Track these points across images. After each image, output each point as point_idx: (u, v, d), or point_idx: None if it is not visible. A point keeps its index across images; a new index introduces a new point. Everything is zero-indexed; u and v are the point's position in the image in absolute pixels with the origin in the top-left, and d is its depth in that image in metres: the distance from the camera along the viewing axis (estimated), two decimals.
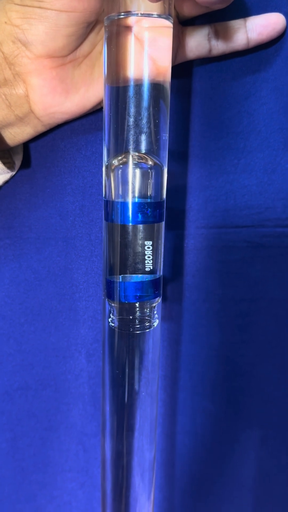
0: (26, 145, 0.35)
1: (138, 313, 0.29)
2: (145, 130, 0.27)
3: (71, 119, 0.31)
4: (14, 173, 0.34)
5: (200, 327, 0.39)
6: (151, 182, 0.27)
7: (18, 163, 0.34)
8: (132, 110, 0.26)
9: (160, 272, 0.29)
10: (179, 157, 0.35)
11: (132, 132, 0.27)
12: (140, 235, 0.27)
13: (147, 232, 0.27)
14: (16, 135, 0.31)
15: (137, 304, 0.29)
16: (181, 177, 0.36)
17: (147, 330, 0.29)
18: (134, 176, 0.27)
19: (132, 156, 0.27)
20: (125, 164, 0.27)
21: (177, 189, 0.36)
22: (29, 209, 0.36)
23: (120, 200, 0.27)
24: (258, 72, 0.33)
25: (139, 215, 0.27)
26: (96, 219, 0.36)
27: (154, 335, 0.30)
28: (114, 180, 0.27)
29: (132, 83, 0.26)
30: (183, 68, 0.34)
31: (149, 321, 0.29)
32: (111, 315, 0.30)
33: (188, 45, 0.31)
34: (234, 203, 0.36)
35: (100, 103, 0.31)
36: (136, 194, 0.27)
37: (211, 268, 0.37)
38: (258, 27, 0.31)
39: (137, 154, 0.27)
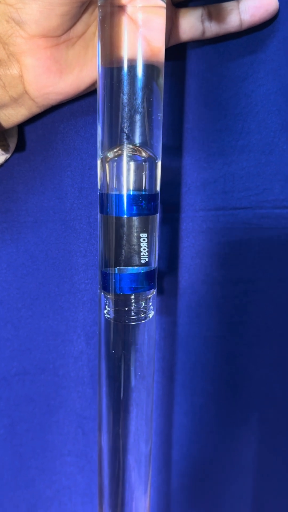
0: (24, 128, 0.35)
1: (133, 305, 0.29)
2: (139, 110, 0.27)
3: (65, 100, 0.31)
4: (8, 155, 0.34)
5: (199, 308, 0.39)
6: (145, 174, 0.28)
7: (12, 145, 0.34)
8: (126, 89, 0.27)
9: (155, 264, 0.29)
10: (177, 139, 0.35)
11: (126, 110, 0.27)
12: (135, 227, 0.28)
13: (142, 224, 0.28)
14: (10, 117, 0.31)
15: (132, 296, 0.29)
16: (179, 160, 0.36)
17: (143, 322, 0.30)
18: (128, 169, 0.27)
19: (126, 148, 0.27)
20: (120, 156, 0.27)
21: (175, 171, 0.36)
22: (26, 192, 0.36)
23: (115, 192, 0.27)
24: (255, 53, 0.34)
25: (134, 207, 0.27)
26: (95, 201, 0.36)
27: (149, 326, 0.30)
28: (109, 173, 0.28)
29: (126, 63, 0.26)
30: (180, 51, 0.34)
31: (145, 313, 0.30)
32: (106, 307, 0.30)
33: (182, 27, 0.32)
34: (232, 185, 0.36)
35: (94, 84, 0.31)
36: (131, 187, 0.27)
37: (209, 250, 0.38)
38: (251, 8, 0.32)
39: (131, 146, 0.27)
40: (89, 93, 0.32)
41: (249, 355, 0.40)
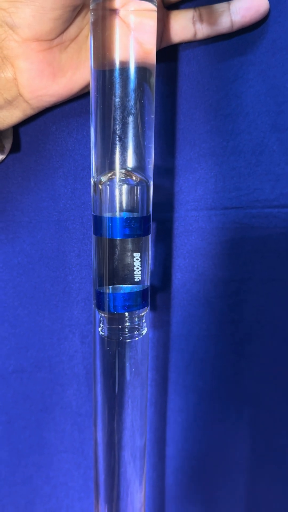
0: (18, 129, 0.36)
1: (127, 323, 0.30)
2: (132, 111, 0.27)
3: (59, 102, 0.31)
4: (4, 156, 0.35)
5: (191, 307, 0.39)
6: (137, 197, 0.29)
7: (8, 146, 0.35)
8: (118, 91, 0.27)
9: (148, 282, 0.30)
10: (168, 140, 0.36)
11: (118, 112, 0.27)
12: (129, 247, 0.29)
13: (135, 245, 0.29)
14: (5, 118, 0.31)
15: (126, 314, 0.30)
16: (170, 160, 0.36)
17: (136, 339, 0.31)
18: (121, 193, 0.28)
19: (119, 173, 0.28)
20: (112, 180, 0.28)
21: (167, 172, 0.36)
22: (21, 193, 0.37)
23: (108, 215, 0.28)
24: (245, 55, 0.34)
25: (127, 230, 0.28)
26: (87, 202, 0.37)
27: (143, 342, 0.31)
28: (102, 196, 0.28)
29: (118, 66, 0.27)
30: (171, 53, 0.34)
31: (138, 330, 0.31)
32: (101, 324, 0.31)
33: (173, 29, 0.32)
34: (223, 185, 0.36)
35: (88, 86, 0.31)
36: (124, 210, 0.28)
37: (201, 249, 0.38)
38: (242, 10, 0.32)
39: (124, 171, 0.28)
40: (82, 95, 0.33)
41: (241, 353, 0.40)
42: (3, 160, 0.36)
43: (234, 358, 0.40)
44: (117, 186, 0.28)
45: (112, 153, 0.28)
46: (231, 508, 0.46)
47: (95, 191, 0.29)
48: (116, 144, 0.28)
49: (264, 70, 0.34)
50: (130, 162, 0.28)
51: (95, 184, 0.29)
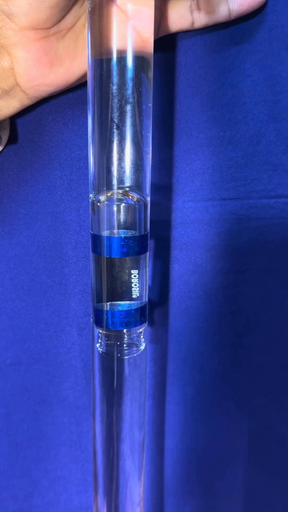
0: (12, 121, 0.35)
1: (125, 339, 0.31)
2: (129, 100, 0.27)
3: (56, 92, 0.31)
4: (1, 148, 0.35)
5: (188, 299, 0.39)
6: (135, 217, 0.29)
7: (5, 138, 0.35)
8: (116, 79, 0.27)
9: (146, 298, 0.31)
10: (166, 130, 0.36)
11: (116, 100, 0.27)
12: (126, 265, 0.29)
13: (133, 262, 0.29)
14: (2, 109, 0.31)
15: (124, 331, 0.30)
16: (167, 151, 0.36)
17: (134, 355, 0.31)
18: (119, 212, 0.29)
19: (117, 193, 0.28)
20: (110, 199, 0.28)
21: (164, 163, 0.36)
22: (18, 184, 0.37)
23: (106, 234, 0.29)
24: (241, 44, 0.34)
25: (125, 249, 0.28)
26: (84, 193, 0.37)
27: (140, 357, 0.32)
28: (100, 215, 0.29)
29: (115, 54, 0.27)
30: (167, 42, 0.34)
31: (136, 346, 0.31)
32: (99, 340, 0.31)
33: (171, 18, 0.32)
34: (220, 176, 0.36)
35: (85, 75, 0.31)
36: (121, 229, 0.29)
37: (198, 241, 0.38)
38: None
39: (121, 191, 0.28)
40: (78, 85, 0.33)
41: (239, 344, 0.40)
42: (0, 152, 0.35)
43: (232, 349, 0.40)
44: (115, 204, 0.28)
45: (110, 141, 0.28)
46: (229, 500, 0.46)
47: (93, 210, 0.29)
48: (114, 132, 0.27)
49: (260, 60, 0.34)
50: (128, 151, 0.28)
51: (93, 203, 0.29)
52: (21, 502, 0.46)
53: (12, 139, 0.36)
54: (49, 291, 0.39)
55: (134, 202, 0.29)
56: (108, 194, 0.28)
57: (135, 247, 0.29)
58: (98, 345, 0.31)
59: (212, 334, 0.40)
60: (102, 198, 0.28)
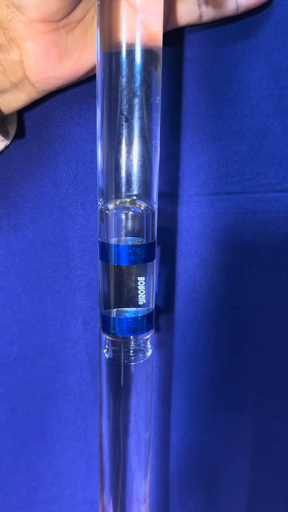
0: (19, 115, 0.35)
1: (132, 346, 0.31)
2: (138, 93, 0.27)
3: (65, 85, 0.31)
4: (8, 142, 0.35)
5: (194, 293, 0.39)
6: (143, 224, 0.29)
7: (12, 132, 0.35)
8: (124, 72, 0.27)
9: (152, 305, 0.31)
10: (172, 125, 0.36)
11: (125, 93, 0.27)
12: (134, 272, 0.29)
13: (140, 270, 0.30)
14: (10, 102, 0.31)
15: (131, 337, 0.31)
16: (173, 145, 0.36)
17: (141, 361, 0.32)
18: (127, 220, 0.29)
19: (125, 201, 0.29)
20: (118, 208, 0.29)
21: (170, 157, 0.36)
22: (24, 179, 0.37)
23: (113, 242, 0.29)
24: (248, 38, 0.34)
25: (132, 257, 0.29)
26: (90, 187, 0.37)
27: (147, 363, 0.32)
28: (108, 223, 0.29)
29: (124, 47, 0.27)
30: (173, 37, 0.34)
31: (143, 352, 0.31)
32: (106, 346, 0.32)
33: (179, 12, 0.32)
34: (226, 170, 0.36)
35: (94, 69, 0.31)
36: (129, 237, 0.29)
37: (203, 235, 0.38)
38: None
39: (129, 200, 0.29)
40: (85, 79, 0.33)
41: (244, 338, 0.40)
42: (7, 146, 0.35)
43: (237, 343, 0.41)
44: (123, 213, 0.29)
45: (119, 134, 0.28)
46: (233, 495, 0.46)
47: (101, 217, 0.29)
48: (122, 125, 0.28)
49: (267, 54, 0.34)
50: (136, 143, 0.28)
51: (102, 211, 0.29)
52: (25, 497, 0.46)
53: (19, 133, 0.36)
54: (55, 285, 0.39)
55: (142, 210, 0.29)
56: (117, 203, 0.29)
57: (142, 254, 0.29)
58: (105, 351, 0.32)
59: (217, 328, 0.40)
60: (111, 206, 0.29)
